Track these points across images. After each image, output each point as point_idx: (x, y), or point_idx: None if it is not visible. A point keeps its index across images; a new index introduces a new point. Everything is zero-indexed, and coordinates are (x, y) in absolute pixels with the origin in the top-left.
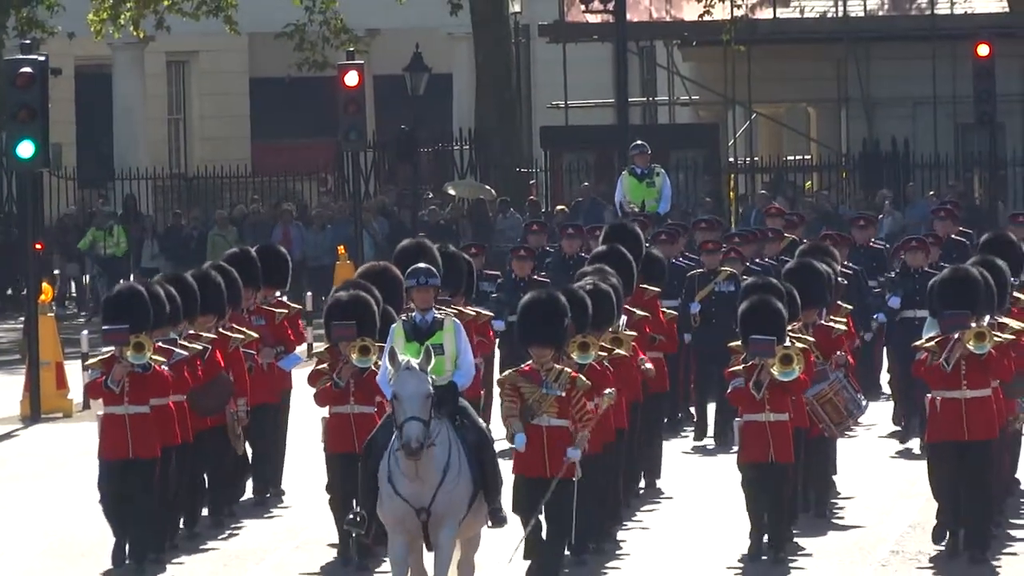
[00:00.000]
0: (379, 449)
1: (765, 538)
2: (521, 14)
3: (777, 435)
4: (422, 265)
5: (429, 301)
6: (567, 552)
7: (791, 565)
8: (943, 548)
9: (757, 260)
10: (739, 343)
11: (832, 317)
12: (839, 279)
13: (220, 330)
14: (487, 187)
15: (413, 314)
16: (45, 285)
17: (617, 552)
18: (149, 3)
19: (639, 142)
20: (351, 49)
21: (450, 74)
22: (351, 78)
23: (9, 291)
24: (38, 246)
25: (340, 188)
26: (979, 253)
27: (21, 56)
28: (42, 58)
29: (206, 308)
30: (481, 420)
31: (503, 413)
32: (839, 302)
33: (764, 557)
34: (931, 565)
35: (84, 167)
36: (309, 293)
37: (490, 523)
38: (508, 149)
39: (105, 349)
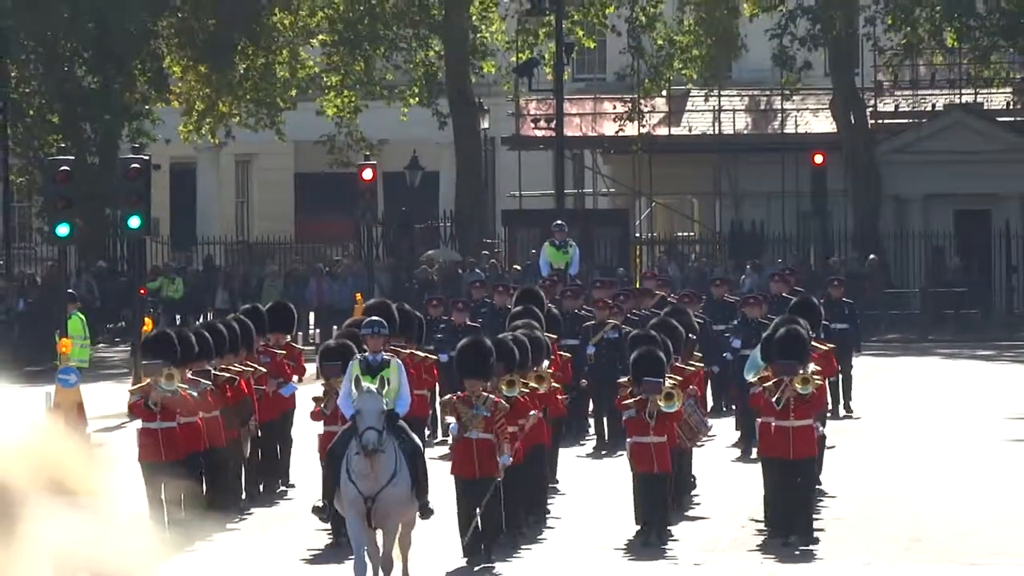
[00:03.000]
0: (338, 456)
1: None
2: (489, 129)
3: (659, 453)
4: (374, 318)
5: (378, 346)
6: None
7: (671, 541)
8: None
9: (634, 312)
10: (626, 380)
11: (689, 361)
12: (690, 335)
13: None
14: (455, 252)
15: (366, 354)
16: (147, 319)
17: (537, 536)
18: (222, 118)
19: (558, 222)
20: (367, 153)
21: (438, 171)
22: (367, 174)
23: (122, 323)
24: (142, 291)
25: (358, 252)
26: (788, 314)
27: (132, 156)
28: (146, 157)
29: (231, 349)
30: (416, 437)
31: (442, 413)
32: (694, 350)
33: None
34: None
35: (176, 235)
36: (335, 327)
37: (420, 515)
38: (479, 226)
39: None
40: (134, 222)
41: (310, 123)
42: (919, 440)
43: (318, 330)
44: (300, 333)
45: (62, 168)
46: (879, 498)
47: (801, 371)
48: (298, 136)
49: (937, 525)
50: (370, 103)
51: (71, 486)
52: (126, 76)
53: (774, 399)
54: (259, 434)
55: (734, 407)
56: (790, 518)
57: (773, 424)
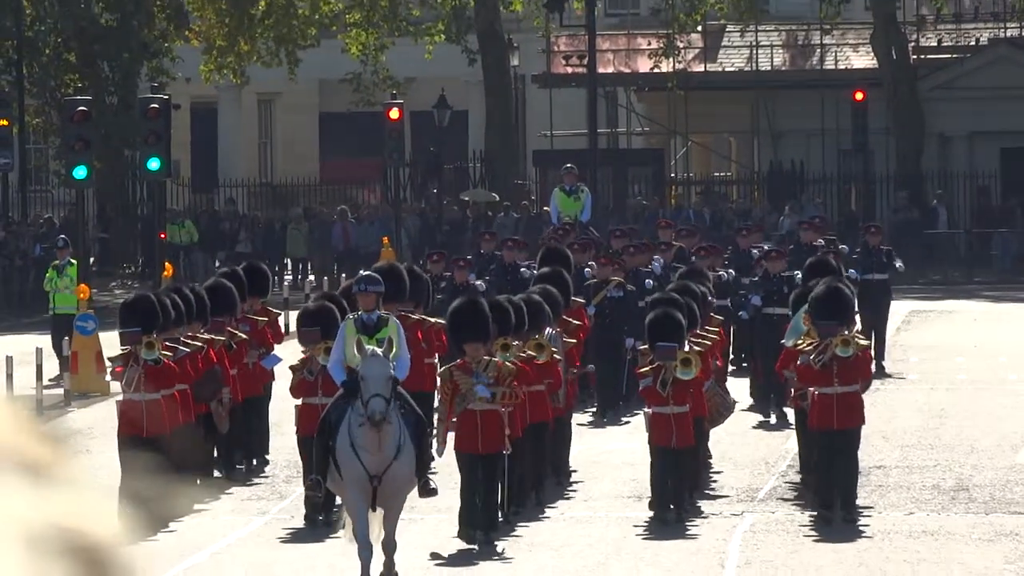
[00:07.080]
0: (331, 426)
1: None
2: (519, 66)
3: (679, 424)
4: (365, 273)
5: (371, 304)
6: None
7: (693, 521)
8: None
9: (641, 268)
10: (645, 347)
11: (706, 328)
12: (711, 298)
13: (208, 334)
14: (493, 194)
15: (360, 314)
16: (167, 263)
17: (539, 515)
18: (243, 57)
19: (568, 165)
20: (394, 92)
21: (467, 111)
22: (394, 113)
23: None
24: (162, 235)
25: (385, 194)
26: (804, 276)
27: (151, 95)
28: (166, 97)
29: (198, 316)
30: (417, 407)
31: (438, 415)
32: (712, 314)
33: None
34: (802, 502)
35: (196, 177)
36: (362, 272)
37: (419, 494)
38: (509, 167)
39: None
40: (154, 164)
41: (335, 61)
42: (961, 385)
43: (343, 275)
44: (325, 278)
45: (79, 108)
46: (921, 445)
47: (846, 332)
48: (322, 74)
49: (982, 473)
50: (396, 40)
51: (29, 460)
52: (144, 13)
53: (812, 359)
54: (230, 407)
55: (746, 365)
56: (833, 492)
57: (816, 392)
